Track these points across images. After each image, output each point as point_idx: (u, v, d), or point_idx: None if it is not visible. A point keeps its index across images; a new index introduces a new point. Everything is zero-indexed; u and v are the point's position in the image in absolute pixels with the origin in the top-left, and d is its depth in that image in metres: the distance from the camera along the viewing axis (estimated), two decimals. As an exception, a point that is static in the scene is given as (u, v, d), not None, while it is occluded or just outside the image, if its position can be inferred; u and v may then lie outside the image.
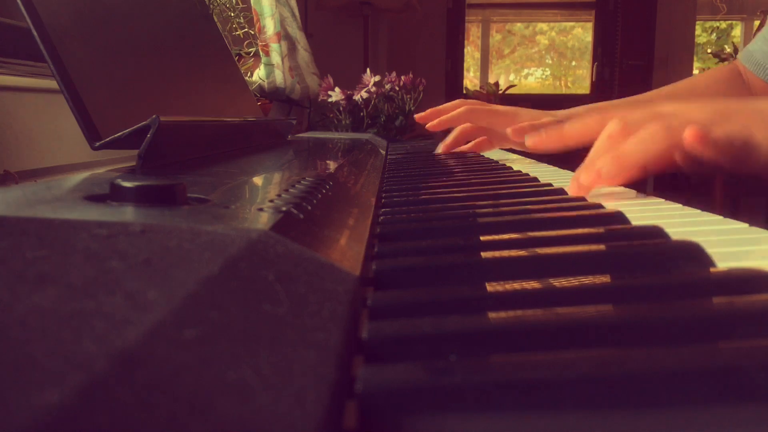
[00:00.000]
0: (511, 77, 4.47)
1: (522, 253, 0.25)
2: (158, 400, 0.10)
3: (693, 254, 0.24)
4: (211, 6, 1.13)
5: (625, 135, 0.43)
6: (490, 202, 0.42)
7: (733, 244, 0.28)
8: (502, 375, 0.14)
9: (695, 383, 0.13)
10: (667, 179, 2.76)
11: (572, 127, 0.51)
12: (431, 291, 0.22)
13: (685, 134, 0.40)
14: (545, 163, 0.73)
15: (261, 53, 1.32)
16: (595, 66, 3.64)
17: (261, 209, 0.24)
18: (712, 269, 0.23)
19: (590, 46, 3.81)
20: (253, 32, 1.30)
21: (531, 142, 0.53)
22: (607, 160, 0.42)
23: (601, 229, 0.30)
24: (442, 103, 0.82)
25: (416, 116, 0.81)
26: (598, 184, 0.42)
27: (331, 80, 1.48)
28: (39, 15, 0.40)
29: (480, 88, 2.69)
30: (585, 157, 0.46)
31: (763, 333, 0.17)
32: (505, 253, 0.25)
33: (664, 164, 0.45)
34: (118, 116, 0.44)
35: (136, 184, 0.22)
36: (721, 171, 0.44)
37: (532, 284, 0.21)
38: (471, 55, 4.06)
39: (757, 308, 0.17)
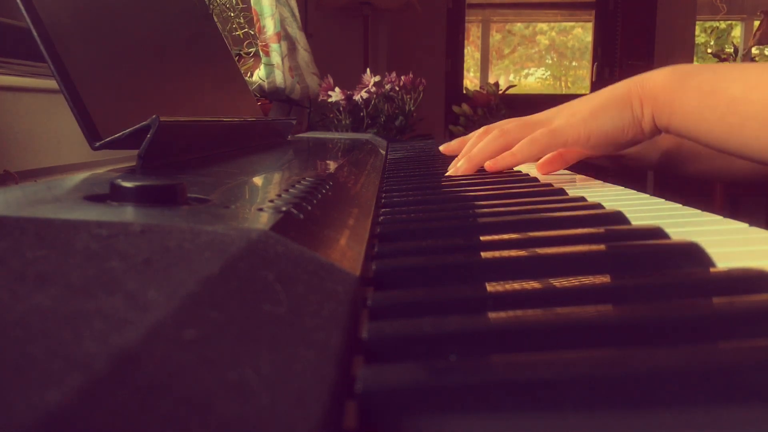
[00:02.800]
0: (511, 77, 4.47)
1: (522, 253, 0.25)
2: (158, 400, 0.10)
3: (693, 254, 0.24)
4: (211, 6, 1.13)
5: (501, 138, 0.59)
6: (490, 202, 0.42)
7: (733, 244, 0.28)
8: (502, 375, 0.14)
9: (695, 383, 0.13)
10: (666, 179, 2.76)
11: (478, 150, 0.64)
12: (431, 291, 0.22)
13: (486, 165, 0.58)
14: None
15: (261, 53, 1.32)
16: (595, 66, 3.64)
17: (261, 209, 0.24)
18: (712, 269, 0.23)
19: (590, 46, 3.81)
20: (253, 32, 1.30)
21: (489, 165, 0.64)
22: (464, 161, 0.59)
23: (601, 229, 0.30)
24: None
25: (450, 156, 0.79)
26: (459, 172, 0.59)
27: (331, 80, 1.48)
28: (39, 15, 0.40)
29: (480, 88, 2.69)
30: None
31: (763, 333, 0.17)
32: (505, 253, 0.25)
33: (572, 155, 0.64)
34: (118, 116, 0.44)
35: (136, 184, 0.22)
36: (598, 155, 0.62)
37: (532, 284, 0.21)
38: (471, 55, 4.06)
39: (757, 308, 0.17)
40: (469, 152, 0.60)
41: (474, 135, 0.72)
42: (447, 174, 0.59)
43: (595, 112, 0.54)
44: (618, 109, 0.53)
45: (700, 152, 0.66)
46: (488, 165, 0.58)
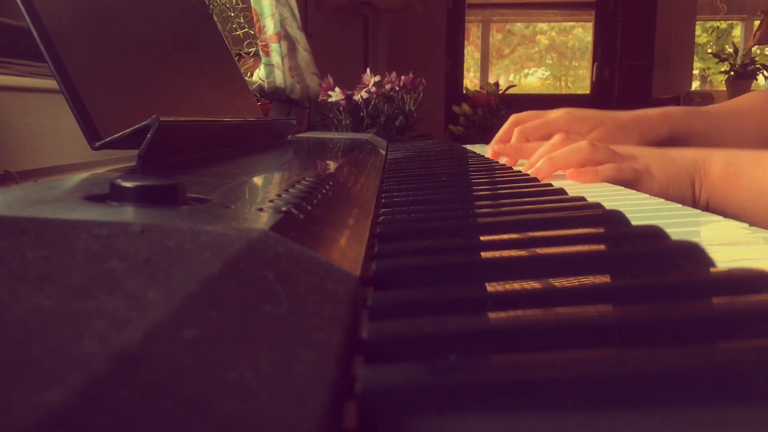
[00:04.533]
0: (511, 77, 4.47)
1: (522, 253, 0.25)
2: (158, 400, 0.10)
3: (693, 254, 0.24)
4: (211, 6, 1.13)
5: (562, 145, 0.61)
6: (490, 201, 0.42)
7: (733, 244, 0.28)
8: (502, 375, 0.14)
9: (695, 383, 0.13)
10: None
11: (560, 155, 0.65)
12: (431, 291, 0.22)
13: (567, 173, 0.58)
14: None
15: (261, 53, 1.32)
16: (595, 66, 3.64)
17: (261, 209, 0.24)
18: (712, 269, 0.23)
19: (590, 46, 3.80)
20: (253, 32, 1.30)
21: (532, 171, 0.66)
22: (544, 161, 0.59)
23: (600, 229, 0.30)
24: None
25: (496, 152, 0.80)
26: (540, 175, 0.59)
27: (331, 80, 1.48)
28: (39, 15, 0.40)
29: (480, 88, 2.69)
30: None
31: (763, 333, 0.17)
32: (505, 253, 0.25)
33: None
34: (118, 116, 0.44)
35: (136, 184, 0.22)
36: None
37: (532, 284, 0.21)
38: (471, 55, 4.06)
39: (757, 308, 0.17)
40: (549, 154, 0.60)
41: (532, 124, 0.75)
42: (525, 171, 0.60)
43: (670, 179, 0.58)
44: (686, 185, 0.58)
45: None
46: (571, 173, 0.59)
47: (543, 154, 0.61)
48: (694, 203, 0.58)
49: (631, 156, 0.60)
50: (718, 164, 0.57)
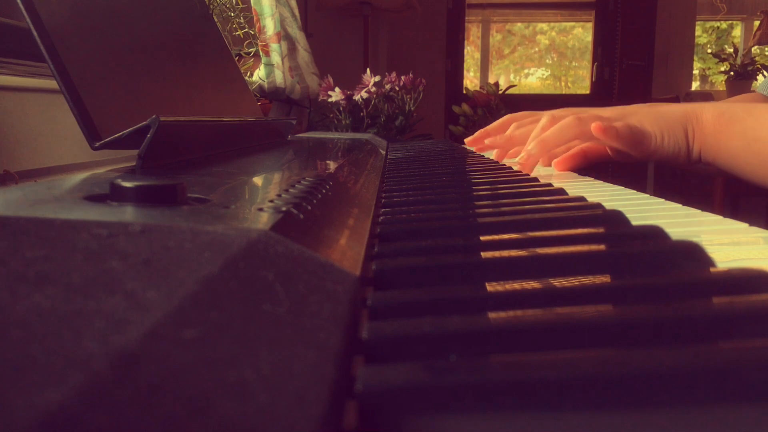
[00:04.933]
0: (511, 77, 4.47)
1: (522, 253, 0.25)
2: (158, 399, 0.10)
3: (693, 254, 0.24)
4: (211, 6, 1.13)
5: (551, 123, 0.61)
6: (489, 201, 0.42)
7: (733, 244, 0.28)
8: (503, 375, 0.14)
9: (695, 383, 0.13)
10: (667, 180, 2.76)
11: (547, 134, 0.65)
12: (431, 291, 0.21)
13: (592, 126, 0.57)
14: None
15: (261, 53, 1.32)
16: (595, 66, 3.64)
17: (261, 209, 0.24)
18: (712, 269, 0.23)
19: (590, 46, 3.80)
20: (253, 32, 1.30)
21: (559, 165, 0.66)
22: (534, 144, 0.60)
23: (600, 229, 0.30)
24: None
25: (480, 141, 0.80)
26: (529, 162, 0.60)
27: (331, 80, 1.48)
28: (39, 15, 0.40)
29: (480, 88, 2.69)
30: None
31: (763, 333, 0.17)
32: (505, 253, 0.25)
33: (599, 155, 0.67)
34: (118, 116, 0.44)
35: (136, 184, 0.22)
36: (629, 158, 0.62)
37: (532, 284, 0.21)
38: (471, 55, 4.06)
39: (757, 308, 0.17)
40: (539, 137, 0.61)
41: (522, 118, 0.74)
42: (517, 160, 0.60)
43: (663, 131, 0.59)
44: (680, 136, 0.59)
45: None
46: (558, 161, 0.60)
47: (534, 138, 0.62)
48: (689, 154, 0.58)
49: (621, 116, 0.60)
50: (710, 114, 0.58)
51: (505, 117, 0.82)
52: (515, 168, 0.60)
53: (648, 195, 0.45)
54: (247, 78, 1.25)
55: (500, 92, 2.49)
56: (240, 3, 1.22)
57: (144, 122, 0.39)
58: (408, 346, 0.17)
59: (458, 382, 0.14)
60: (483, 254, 0.25)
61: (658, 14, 3.50)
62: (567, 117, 0.59)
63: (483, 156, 0.82)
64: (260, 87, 1.31)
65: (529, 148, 0.60)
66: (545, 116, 0.64)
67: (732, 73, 3.22)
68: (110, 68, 0.46)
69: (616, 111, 0.62)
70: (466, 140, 0.85)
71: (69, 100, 0.40)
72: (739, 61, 3.21)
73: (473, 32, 4.10)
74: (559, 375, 0.14)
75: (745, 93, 0.96)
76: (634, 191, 0.48)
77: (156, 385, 0.10)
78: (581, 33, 4.32)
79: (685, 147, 0.58)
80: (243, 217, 0.22)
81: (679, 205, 0.39)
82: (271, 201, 0.26)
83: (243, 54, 1.32)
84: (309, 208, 0.26)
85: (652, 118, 0.59)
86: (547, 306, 0.20)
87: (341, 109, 1.46)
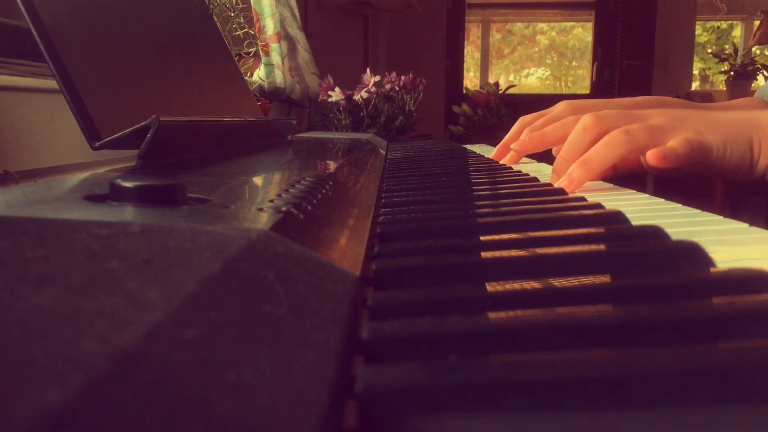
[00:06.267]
0: (511, 77, 4.47)
1: (522, 253, 0.25)
2: (158, 400, 0.10)
3: (693, 254, 0.24)
4: (211, 6, 1.13)
5: (596, 127, 0.50)
6: (489, 201, 0.42)
7: (733, 244, 0.28)
8: (502, 375, 0.14)
9: (695, 383, 0.13)
10: (667, 180, 2.76)
11: (552, 128, 0.59)
12: (431, 291, 0.21)
13: (648, 156, 0.47)
14: (545, 162, 0.73)
15: (261, 53, 1.32)
16: (595, 66, 3.64)
17: (261, 209, 0.24)
18: (712, 269, 0.23)
19: (590, 46, 3.80)
20: (253, 32, 1.30)
21: (516, 145, 0.61)
22: (577, 168, 0.49)
23: (601, 229, 0.30)
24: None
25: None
26: (571, 188, 0.48)
27: (331, 80, 1.48)
28: (39, 15, 0.40)
29: (480, 88, 2.69)
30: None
31: (763, 333, 0.17)
32: (505, 253, 0.25)
33: (631, 166, 0.56)
34: (118, 116, 0.44)
35: (136, 184, 0.22)
36: (682, 173, 0.52)
37: (532, 284, 0.21)
38: (471, 55, 4.06)
39: (757, 308, 0.17)
40: (583, 157, 0.50)
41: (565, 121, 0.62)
42: (556, 184, 0.49)
43: (726, 142, 0.50)
44: (744, 147, 0.51)
45: None
46: (651, 156, 0.49)
47: (575, 144, 0.51)
48: (752, 168, 0.51)
49: (672, 122, 0.50)
50: None
51: (518, 123, 0.75)
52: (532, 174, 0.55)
53: (648, 195, 0.45)
54: (247, 78, 1.25)
55: (500, 92, 2.49)
56: (240, 3, 1.22)
57: (144, 122, 0.39)
58: (408, 346, 0.17)
59: (458, 382, 0.14)
60: (483, 254, 0.25)
61: (658, 14, 3.50)
62: (613, 132, 0.49)
63: (483, 156, 0.82)
64: (260, 87, 1.31)
65: (570, 172, 0.49)
66: (588, 115, 0.52)
67: (732, 73, 3.22)
68: (110, 68, 0.46)
69: (663, 116, 0.51)
70: (492, 156, 0.77)
71: (69, 100, 0.40)
72: (739, 61, 3.21)
73: (473, 32, 4.10)
74: (559, 375, 0.14)
75: (746, 92, 0.94)
76: (634, 191, 0.48)
77: (156, 385, 0.10)
78: (581, 33, 4.32)
79: (749, 161, 0.50)
80: (243, 217, 0.22)
81: (679, 205, 0.39)
82: (271, 201, 0.26)
83: (243, 54, 1.32)
84: (309, 208, 0.26)
85: (711, 126, 0.50)
86: (547, 306, 0.20)
87: (341, 109, 1.46)
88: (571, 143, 0.52)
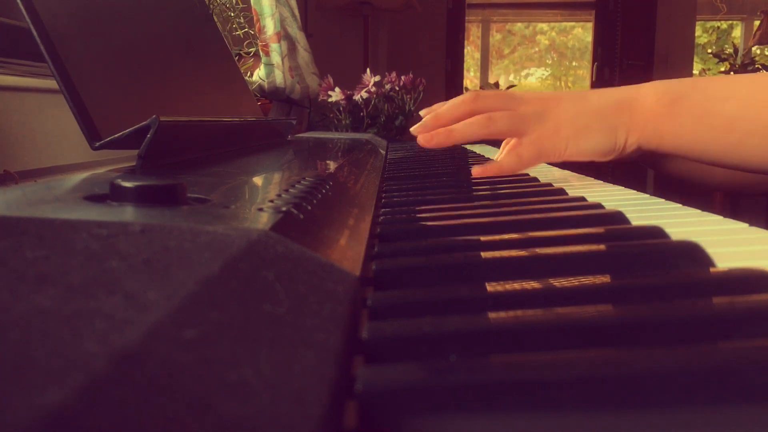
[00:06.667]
0: (511, 77, 4.48)
1: (522, 253, 0.25)
2: (158, 400, 0.10)
3: (693, 254, 0.24)
4: (211, 6, 1.13)
5: (471, 103, 0.57)
6: (489, 201, 0.42)
7: (733, 244, 0.28)
8: (502, 375, 0.14)
9: (695, 383, 0.13)
10: (667, 180, 2.76)
11: (445, 109, 0.61)
12: (431, 291, 0.22)
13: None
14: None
15: (261, 53, 1.32)
16: (595, 66, 3.64)
17: (261, 209, 0.24)
18: (712, 269, 0.23)
19: (590, 46, 3.80)
20: (253, 32, 1.30)
21: (414, 129, 0.62)
22: (443, 133, 0.56)
23: (601, 229, 0.30)
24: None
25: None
26: (429, 144, 0.57)
27: (331, 80, 1.48)
28: (39, 15, 0.40)
29: (480, 88, 2.69)
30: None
31: (763, 333, 0.17)
32: (505, 252, 0.25)
33: (629, 156, 0.59)
34: (118, 116, 0.44)
35: (136, 184, 0.22)
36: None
37: (532, 284, 0.21)
38: (471, 55, 4.06)
39: (757, 308, 0.17)
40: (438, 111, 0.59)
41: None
42: (414, 132, 0.58)
43: (580, 132, 0.54)
44: (603, 134, 0.54)
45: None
46: (445, 135, 0.56)
47: (451, 110, 0.58)
48: (619, 150, 0.54)
49: (537, 116, 0.55)
50: (650, 98, 0.53)
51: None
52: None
53: (648, 195, 0.45)
54: (247, 78, 1.25)
55: (500, 92, 2.49)
56: (240, 3, 1.22)
57: (144, 122, 0.39)
58: (408, 346, 0.17)
59: (458, 382, 0.14)
60: (483, 254, 0.25)
61: (658, 14, 3.50)
62: (479, 115, 0.56)
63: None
64: (260, 87, 1.31)
65: (436, 134, 0.57)
66: (470, 92, 0.61)
67: (732, 73, 3.22)
68: (110, 68, 0.46)
69: (535, 105, 0.56)
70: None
71: (69, 100, 0.40)
72: (739, 61, 3.22)
73: (473, 32, 4.10)
74: (559, 375, 0.14)
75: None
76: (634, 191, 0.48)
77: (156, 385, 0.10)
78: (581, 33, 4.32)
79: (611, 145, 0.54)
80: (243, 217, 0.22)
81: (679, 205, 0.39)
82: (271, 201, 0.26)
83: (243, 54, 1.32)
84: (309, 208, 0.26)
85: (572, 118, 0.54)
86: (547, 306, 0.20)
87: (341, 109, 1.46)
88: (447, 109, 0.58)
